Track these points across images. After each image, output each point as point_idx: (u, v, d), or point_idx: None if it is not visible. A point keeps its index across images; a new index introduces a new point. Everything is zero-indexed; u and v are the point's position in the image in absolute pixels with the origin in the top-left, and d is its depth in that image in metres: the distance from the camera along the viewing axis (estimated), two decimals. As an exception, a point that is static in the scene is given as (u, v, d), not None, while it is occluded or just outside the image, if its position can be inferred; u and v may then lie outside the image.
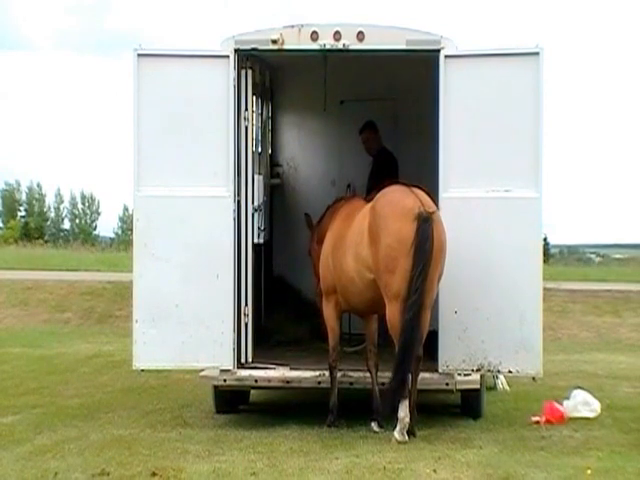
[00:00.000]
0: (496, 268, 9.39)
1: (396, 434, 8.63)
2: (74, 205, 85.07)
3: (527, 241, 9.42)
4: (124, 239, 60.36)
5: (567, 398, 10.31)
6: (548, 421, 9.77)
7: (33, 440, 8.99)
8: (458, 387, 9.59)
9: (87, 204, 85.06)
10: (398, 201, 8.86)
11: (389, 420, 8.92)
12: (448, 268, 8.96)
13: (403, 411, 8.62)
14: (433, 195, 9.22)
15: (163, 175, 9.68)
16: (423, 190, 9.01)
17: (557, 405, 10.08)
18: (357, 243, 9.12)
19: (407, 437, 8.65)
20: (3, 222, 78.17)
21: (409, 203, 8.75)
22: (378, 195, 9.09)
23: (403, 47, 9.65)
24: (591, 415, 10.16)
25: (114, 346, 17.49)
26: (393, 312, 8.72)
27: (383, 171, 11.23)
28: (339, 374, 9.58)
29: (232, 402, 10.61)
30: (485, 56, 9.59)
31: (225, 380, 9.70)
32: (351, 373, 9.76)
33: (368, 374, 9.51)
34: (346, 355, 10.37)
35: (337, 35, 9.66)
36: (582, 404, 10.27)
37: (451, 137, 9.49)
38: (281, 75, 12.64)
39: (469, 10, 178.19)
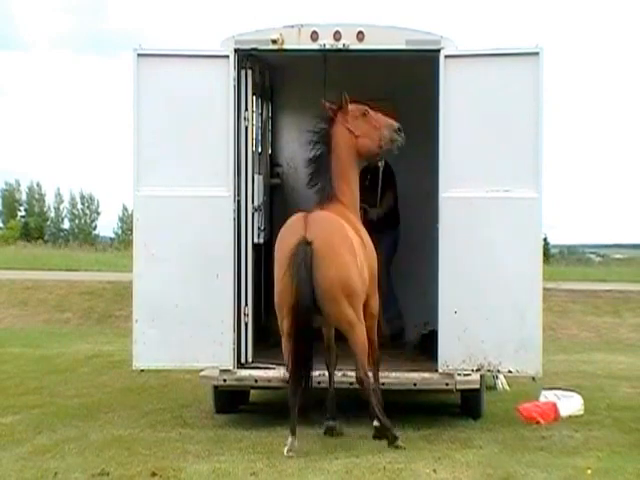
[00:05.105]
0: (496, 268, 9.38)
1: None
2: (74, 205, 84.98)
3: (527, 241, 9.42)
4: (124, 239, 60.21)
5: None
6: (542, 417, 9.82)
7: (33, 440, 8.98)
8: (458, 387, 9.59)
9: (87, 204, 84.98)
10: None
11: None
12: (448, 267, 8.94)
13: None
14: (433, 195, 9.22)
15: (163, 175, 9.67)
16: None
17: (526, 407, 10.08)
18: None
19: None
20: (3, 222, 78.17)
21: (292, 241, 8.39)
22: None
23: (403, 47, 9.65)
24: (579, 407, 10.22)
25: (114, 346, 17.48)
26: None
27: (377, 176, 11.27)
28: (339, 374, 9.57)
29: (232, 402, 10.60)
30: (485, 56, 9.59)
31: (225, 380, 9.70)
32: (351, 373, 9.74)
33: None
34: (346, 355, 10.34)
35: (337, 35, 9.67)
36: (564, 399, 10.31)
37: (451, 137, 9.49)
38: (281, 75, 12.62)
39: (469, 10, 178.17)
